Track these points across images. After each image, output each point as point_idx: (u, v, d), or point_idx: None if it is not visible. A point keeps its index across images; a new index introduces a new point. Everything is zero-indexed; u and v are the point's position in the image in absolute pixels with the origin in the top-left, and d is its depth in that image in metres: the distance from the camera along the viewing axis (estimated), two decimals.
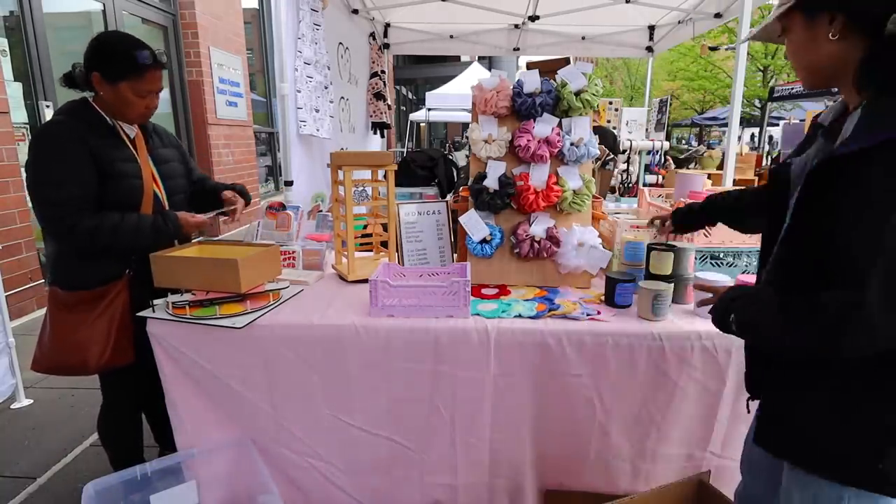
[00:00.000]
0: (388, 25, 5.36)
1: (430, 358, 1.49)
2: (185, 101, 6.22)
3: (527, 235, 1.72)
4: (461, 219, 1.76)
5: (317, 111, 3.47)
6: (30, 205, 1.54)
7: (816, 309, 0.83)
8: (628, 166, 4.64)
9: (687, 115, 20.47)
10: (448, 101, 11.20)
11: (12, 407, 2.67)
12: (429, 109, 11.89)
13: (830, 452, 0.92)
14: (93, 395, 1.81)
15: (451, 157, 4.42)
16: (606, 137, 4.38)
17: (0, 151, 3.60)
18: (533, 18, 4.85)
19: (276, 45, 2.96)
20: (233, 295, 1.56)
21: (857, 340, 0.79)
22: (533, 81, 1.75)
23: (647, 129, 6.17)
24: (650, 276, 1.60)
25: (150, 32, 5.72)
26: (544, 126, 1.73)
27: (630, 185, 4.62)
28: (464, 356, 1.48)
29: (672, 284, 1.54)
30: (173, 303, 1.53)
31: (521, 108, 1.75)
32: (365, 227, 2.02)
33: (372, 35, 5.11)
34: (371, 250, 2.09)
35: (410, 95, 19.68)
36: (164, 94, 5.83)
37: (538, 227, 1.73)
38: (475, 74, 10.18)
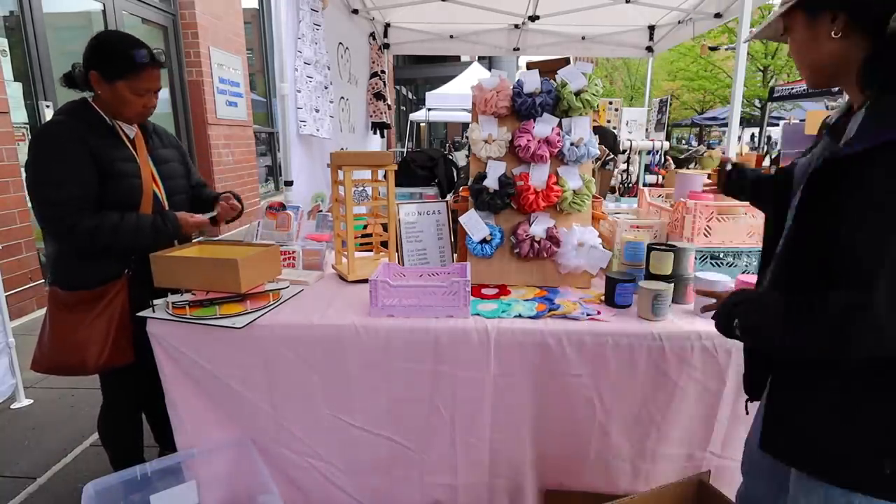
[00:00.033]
0: (388, 25, 5.36)
1: (430, 358, 1.49)
2: (185, 101, 6.22)
3: (527, 235, 1.72)
4: (461, 219, 1.76)
5: (317, 111, 3.47)
6: (30, 205, 1.54)
7: (821, 311, 0.82)
8: (628, 166, 4.64)
9: (687, 115, 20.47)
10: (448, 101, 11.20)
11: (12, 407, 2.67)
12: (429, 109, 11.89)
13: (835, 455, 0.91)
14: (93, 395, 1.81)
15: (451, 157, 4.42)
16: (606, 137, 4.38)
17: (0, 151, 3.60)
18: (533, 18, 4.85)
19: (276, 45, 2.96)
20: (233, 295, 1.56)
21: (864, 342, 0.79)
22: (533, 81, 1.75)
23: (647, 129, 6.16)
24: (650, 276, 1.60)
25: (150, 32, 5.72)
26: (544, 126, 1.73)
27: (630, 185, 4.62)
28: (464, 356, 1.48)
29: (672, 284, 1.54)
30: (173, 303, 1.53)
31: (521, 108, 1.75)
32: (365, 227, 2.02)
33: (372, 35, 5.11)
34: (371, 250, 2.09)
35: (410, 95, 19.67)
36: (164, 94, 5.86)
37: (538, 227, 1.73)
38: (475, 74, 10.18)
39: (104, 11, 4.93)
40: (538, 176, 1.74)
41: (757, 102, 16.41)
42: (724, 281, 1.50)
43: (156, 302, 1.54)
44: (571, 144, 1.73)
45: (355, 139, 4.75)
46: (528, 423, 1.55)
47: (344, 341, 1.48)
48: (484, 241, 1.74)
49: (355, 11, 4.53)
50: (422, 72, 18.51)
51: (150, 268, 1.56)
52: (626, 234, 1.77)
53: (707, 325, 1.46)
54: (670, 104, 6.32)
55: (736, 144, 3.82)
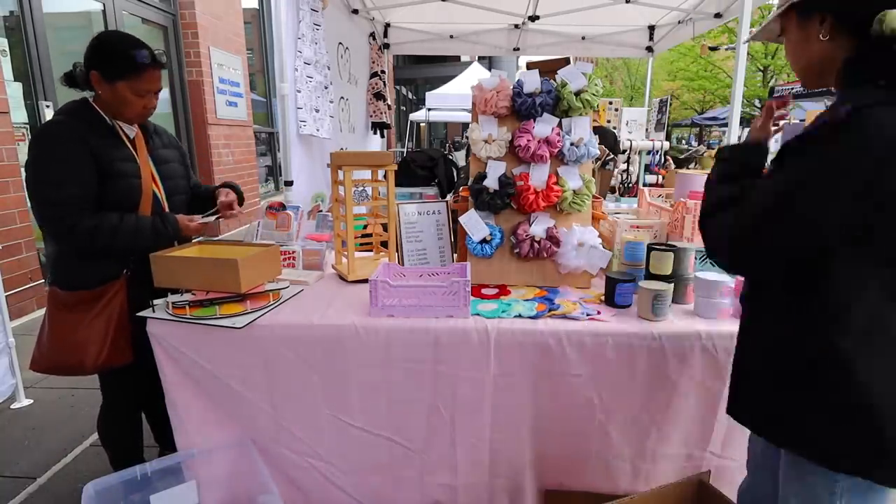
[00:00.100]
0: (388, 25, 5.36)
1: (430, 358, 1.49)
2: (185, 101, 6.22)
3: (527, 235, 1.72)
4: (461, 219, 1.76)
5: (317, 111, 3.47)
6: (29, 205, 1.54)
7: (729, 194, 1.02)
8: (628, 166, 4.64)
9: (687, 115, 20.48)
10: (448, 101, 11.20)
11: (12, 407, 2.67)
12: (429, 109, 11.89)
13: (812, 436, 0.96)
14: (93, 395, 1.81)
15: (451, 157, 4.41)
16: (606, 137, 4.38)
17: (0, 151, 3.60)
18: (533, 18, 4.85)
19: (276, 45, 2.96)
20: (233, 295, 1.56)
21: (712, 228, 1.03)
22: (533, 81, 1.75)
23: (647, 129, 6.16)
24: (650, 276, 1.60)
25: (150, 32, 5.72)
26: (544, 126, 1.73)
27: (630, 185, 4.63)
28: (464, 356, 1.48)
29: (672, 284, 1.54)
30: (173, 303, 1.53)
31: (521, 108, 1.75)
32: (365, 227, 2.02)
33: (372, 35, 5.11)
34: (371, 250, 2.09)
35: (410, 95, 19.67)
36: (164, 94, 5.85)
37: (538, 227, 1.73)
38: (475, 74, 10.18)
39: (104, 11, 4.93)
40: (538, 176, 1.74)
41: (757, 102, 16.41)
42: (725, 281, 1.50)
43: (156, 302, 1.54)
44: (571, 144, 1.73)
45: (355, 139, 4.75)
46: (528, 423, 1.55)
47: (344, 341, 1.48)
48: (484, 241, 1.74)
49: (355, 11, 4.53)
50: (422, 72, 18.50)
51: (150, 268, 1.56)
52: (626, 234, 1.77)
53: (707, 326, 1.46)
54: (670, 104, 6.31)
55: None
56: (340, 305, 1.60)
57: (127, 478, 1.45)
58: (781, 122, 1.24)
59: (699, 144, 14.50)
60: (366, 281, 1.63)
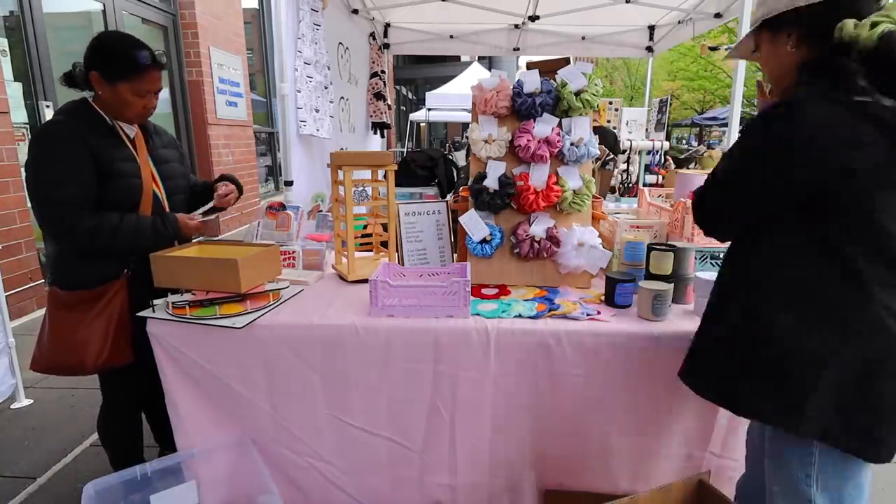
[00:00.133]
0: (388, 25, 5.36)
1: (430, 358, 1.49)
2: (185, 101, 6.22)
3: (527, 235, 1.72)
4: (461, 219, 1.76)
5: (317, 111, 3.47)
6: (29, 205, 1.54)
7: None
8: (628, 166, 4.64)
9: (687, 115, 20.46)
10: (448, 101, 11.20)
11: (12, 407, 2.67)
12: (429, 109, 11.89)
13: (746, 396, 1.09)
14: (93, 395, 1.81)
15: (451, 157, 4.41)
16: (606, 137, 4.38)
17: (0, 151, 3.60)
18: (533, 18, 4.85)
19: (276, 45, 2.96)
20: (233, 295, 1.56)
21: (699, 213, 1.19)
22: (533, 81, 1.75)
23: (647, 129, 6.15)
24: (650, 276, 1.60)
25: (150, 32, 5.72)
26: (544, 126, 1.73)
27: (630, 185, 4.63)
28: (464, 356, 1.48)
29: (672, 284, 1.54)
30: (173, 303, 1.53)
31: (521, 108, 1.75)
32: (365, 227, 2.02)
33: (372, 35, 5.11)
34: (371, 250, 2.09)
35: (410, 95, 19.67)
36: (164, 94, 5.85)
37: (538, 227, 1.73)
38: (475, 74, 10.18)
39: (104, 11, 4.93)
40: (538, 176, 1.74)
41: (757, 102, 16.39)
42: None
43: (156, 302, 1.54)
44: (571, 144, 1.73)
45: (355, 139, 4.75)
46: (528, 423, 1.55)
47: (344, 341, 1.48)
48: (484, 241, 1.74)
49: (355, 11, 4.53)
50: (422, 72, 18.50)
51: (150, 268, 1.56)
52: (626, 234, 1.77)
53: None
54: (670, 104, 6.31)
55: None
56: (340, 305, 1.60)
57: (127, 478, 1.45)
58: None
59: (699, 144, 14.49)
60: (366, 281, 1.63)
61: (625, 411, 1.52)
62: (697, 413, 1.53)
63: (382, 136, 5.62)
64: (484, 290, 1.73)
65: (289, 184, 3.05)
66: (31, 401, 2.72)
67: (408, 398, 1.54)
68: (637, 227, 1.91)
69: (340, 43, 4.23)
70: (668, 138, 6.38)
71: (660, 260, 1.58)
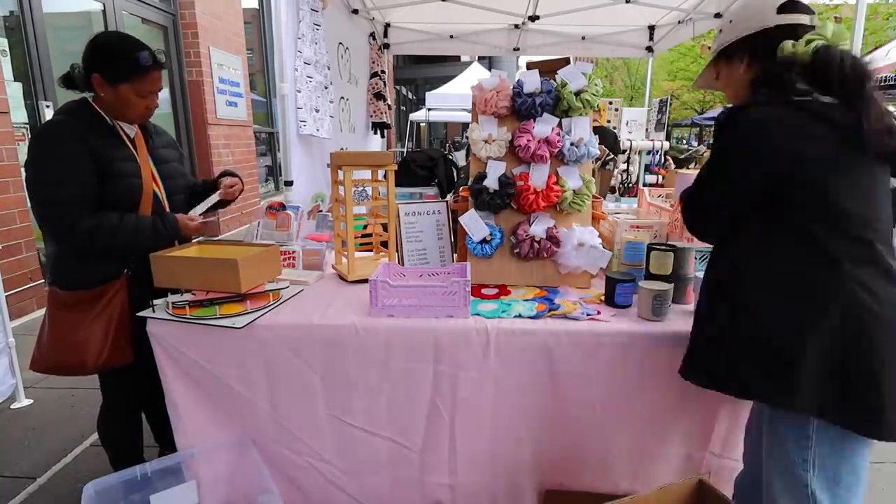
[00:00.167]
0: (388, 25, 5.35)
1: (430, 358, 1.49)
2: (185, 101, 6.22)
3: (527, 235, 1.72)
4: (461, 219, 1.76)
5: (317, 111, 3.47)
6: (29, 205, 1.54)
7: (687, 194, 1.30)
8: (628, 166, 4.64)
9: (687, 115, 20.46)
10: (448, 101, 11.19)
11: (12, 407, 2.67)
12: (429, 109, 11.89)
13: (734, 373, 1.16)
14: (93, 395, 1.81)
15: (451, 157, 4.41)
16: (606, 137, 4.38)
17: (0, 151, 3.61)
18: (533, 18, 4.85)
19: (276, 45, 2.96)
20: (233, 295, 1.56)
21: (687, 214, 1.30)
22: (533, 81, 1.75)
23: (647, 129, 6.15)
24: (650, 276, 1.60)
25: (150, 32, 5.72)
26: (544, 126, 1.73)
27: (630, 185, 4.62)
28: (464, 356, 1.48)
29: (672, 284, 1.54)
30: (173, 303, 1.53)
31: (521, 108, 1.75)
32: (365, 227, 2.02)
33: (372, 35, 5.11)
34: (371, 250, 2.09)
35: (410, 95, 19.67)
36: (164, 94, 5.86)
37: (538, 227, 1.73)
38: (475, 74, 10.18)
39: (104, 11, 4.93)
40: (538, 176, 1.74)
41: None
42: None
43: (156, 302, 1.54)
44: (571, 144, 1.73)
45: (355, 139, 4.75)
46: (527, 423, 1.55)
47: (344, 341, 1.48)
48: (484, 241, 1.74)
49: (355, 11, 4.53)
50: (422, 72, 18.50)
51: (150, 268, 1.56)
52: (626, 234, 1.77)
53: None
54: (670, 104, 6.30)
55: None
56: (340, 305, 1.60)
57: (127, 478, 1.45)
58: None
59: (699, 144, 14.50)
60: (366, 281, 1.63)
61: (625, 411, 1.52)
62: (697, 413, 1.53)
63: (382, 136, 5.62)
64: (484, 290, 1.73)
65: (289, 184, 3.05)
66: (31, 401, 2.72)
67: (408, 398, 1.54)
68: (637, 227, 1.91)
69: (340, 43, 4.23)
70: (668, 138, 6.37)
71: (660, 260, 1.58)
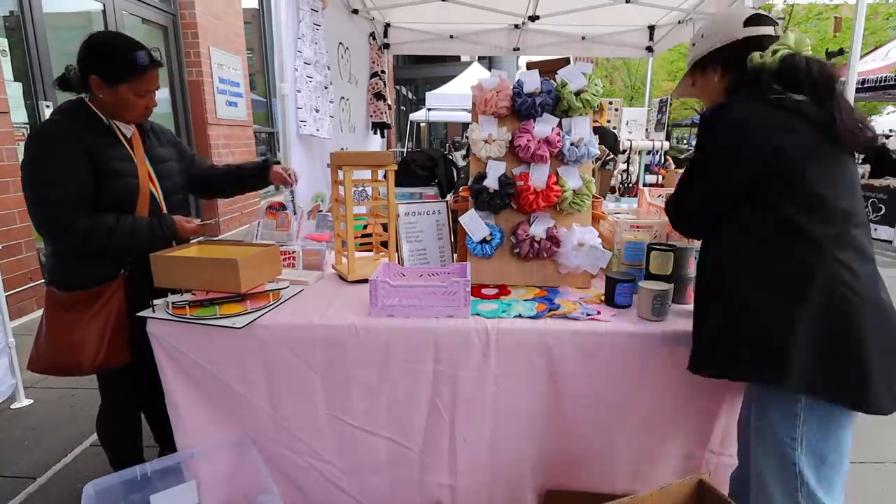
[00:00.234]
0: (388, 25, 5.36)
1: (430, 358, 1.49)
2: (185, 101, 6.23)
3: (527, 235, 1.72)
4: (461, 219, 1.76)
5: (317, 111, 3.47)
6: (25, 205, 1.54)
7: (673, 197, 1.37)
8: (628, 166, 4.63)
9: (687, 115, 20.44)
10: (448, 101, 11.20)
11: (12, 407, 2.67)
12: (429, 109, 11.89)
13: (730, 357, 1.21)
14: (93, 396, 1.81)
15: (451, 157, 4.41)
16: (606, 137, 4.38)
17: (0, 151, 3.60)
18: (533, 18, 4.85)
19: (276, 45, 2.96)
20: (233, 295, 1.56)
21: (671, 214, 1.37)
22: (533, 81, 1.75)
23: (647, 129, 6.16)
24: (650, 276, 1.60)
25: (150, 32, 5.72)
26: (544, 126, 1.73)
27: (630, 185, 4.62)
28: (464, 356, 1.48)
29: (672, 284, 1.54)
30: (173, 303, 1.53)
31: (521, 108, 1.75)
32: (365, 227, 2.02)
33: (372, 35, 5.11)
34: (371, 250, 2.09)
35: (410, 95, 19.67)
36: (164, 94, 5.85)
37: (538, 227, 1.73)
38: (475, 74, 10.18)
39: (104, 11, 4.93)
40: (538, 176, 1.74)
41: None
42: None
43: (156, 302, 1.54)
44: (571, 144, 1.73)
45: (355, 139, 4.75)
46: (527, 423, 1.55)
47: (344, 341, 1.48)
48: (484, 241, 1.74)
49: (355, 11, 4.53)
50: (422, 72, 18.50)
51: (147, 268, 1.55)
52: (626, 234, 1.77)
53: None
54: (670, 104, 6.31)
55: None
56: (340, 305, 1.60)
57: (127, 478, 1.45)
58: None
59: None
60: (366, 281, 1.63)
61: (625, 411, 1.52)
62: (697, 412, 1.53)
63: (382, 136, 5.62)
64: (484, 290, 1.73)
65: None
66: (31, 401, 2.73)
67: (408, 398, 1.54)
68: (637, 227, 1.91)
69: (340, 43, 4.23)
70: (668, 138, 6.38)
71: (660, 260, 1.58)
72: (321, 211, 2.36)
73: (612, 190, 4.49)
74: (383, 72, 5.25)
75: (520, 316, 1.52)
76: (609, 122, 6.15)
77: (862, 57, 6.67)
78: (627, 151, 4.61)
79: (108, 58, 1.54)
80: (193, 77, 6.22)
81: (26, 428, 2.51)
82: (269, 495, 1.44)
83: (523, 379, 1.50)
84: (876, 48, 9.05)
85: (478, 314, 1.52)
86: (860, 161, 7.21)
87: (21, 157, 1.54)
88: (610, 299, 1.60)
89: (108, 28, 4.87)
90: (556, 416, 1.54)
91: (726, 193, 1.21)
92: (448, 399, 1.53)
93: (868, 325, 1.10)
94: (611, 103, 6.33)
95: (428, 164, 3.95)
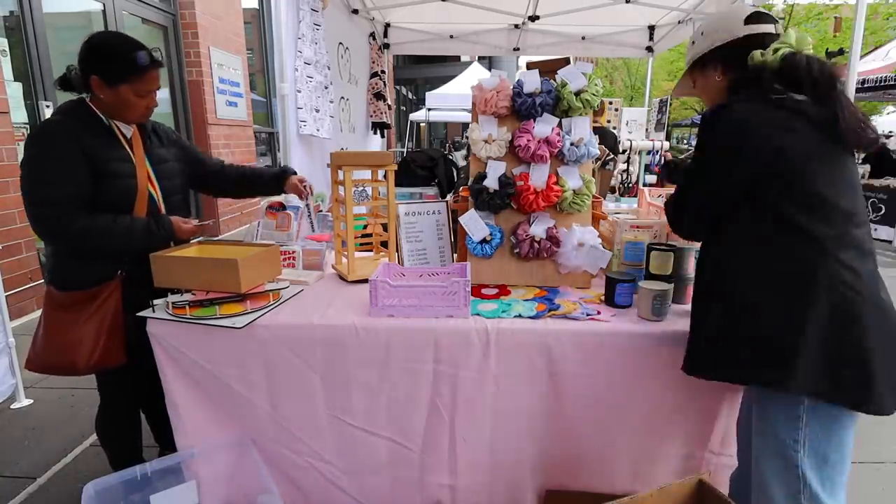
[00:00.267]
0: (388, 25, 5.36)
1: (430, 358, 1.49)
2: (185, 101, 6.22)
3: (527, 235, 1.72)
4: (461, 219, 1.76)
5: (317, 111, 3.47)
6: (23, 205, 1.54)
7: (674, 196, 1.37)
8: (628, 166, 4.63)
9: (687, 115, 20.46)
10: (448, 101, 11.20)
11: (12, 407, 2.67)
12: (429, 109, 11.89)
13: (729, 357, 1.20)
14: (93, 395, 1.81)
15: (451, 157, 4.41)
16: (606, 137, 4.38)
17: (0, 151, 3.60)
18: (533, 18, 4.85)
19: (276, 45, 2.96)
20: (233, 295, 1.56)
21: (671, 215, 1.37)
22: (533, 81, 1.75)
23: (647, 129, 6.16)
24: (650, 276, 1.60)
25: (150, 32, 5.72)
26: (544, 126, 1.73)
27: (630, 185, 4.62)
28: (464, 356, 1.48)
29: (672, 284, 1.54)
30: (173, 303, 1.53)
31: (521, 108, 1.75)
32: (365, 227, 2.02)
33: (372, 35, 5.11)
34: (371, 250, 2.09)
35: (410, 95, 19.67)
36: (164, 94, 5.85)
37: (538, 227, 1.73)
38: (475, 74, 10.18)
39: (104, 11, 4.93)
40: (538, 176, 1.74)
41: None
42: None
43: (156, 302, 1.54)
44: (571, 144, 1.73)
45: (355, 139, 4.75)
46: (527, 423, 1.55)
47: (344, 341, 1.48)
48: (484, 241, 1.74)
49: (355, 11, 4.53)
50: (422, 72, 18.50)
51: (145, 268, 1.55)
52: (626, 234, 1.77)
53: None
54: (670, 104, 6.31)
55: None
56: (340, 305, 1.60)
57: (127, 478, 1.45)
58: None
59: None
60: (366, 281, 1.63)
61: (625, 411, 1.52)
62: (697, 412, 1.53)
63: (382, 136, 5.62)
64: (484, 290, 1.73)
65: None
66: (31, 401, 2.73)
67: (408, 398, 1.54)
68: (637, 227, 1.91)
69: (340, 43, 4.23)
70: (668, 138, 6.38)
71: (660, 260, 1.58)
72: (321, 211, 2.36)
73: (612, 190, 4.49)
74: (383, 72, 5.25)
75: (520, 316, 1.52)
76: (609, 122, 6.15)
77: (862, 57, 6.68)
78: (627, 151, 4.61)
79: (109, 58, 1.54)
80: (193, 77, 6.22)
81: (26, 428, 2.51)
82: (269, 495, 1.44)
83: (523, 379, 1.50)
84: (876, 48, 9.05)
85: (478, 314, 1.52)
86: (860, 161, 7.23)
87: (21, 156, 1.53)
88: (610, 299, 1.60)
89: (109, 28, 4.87)
90: (556, 416, 1.54)
91: (726, 193, 1.20)
92: (448, 399, 1.53)
93: (870, 326, 1.09)
94: (611, 103, 6.33)
95: (428, 164, 3.95)
